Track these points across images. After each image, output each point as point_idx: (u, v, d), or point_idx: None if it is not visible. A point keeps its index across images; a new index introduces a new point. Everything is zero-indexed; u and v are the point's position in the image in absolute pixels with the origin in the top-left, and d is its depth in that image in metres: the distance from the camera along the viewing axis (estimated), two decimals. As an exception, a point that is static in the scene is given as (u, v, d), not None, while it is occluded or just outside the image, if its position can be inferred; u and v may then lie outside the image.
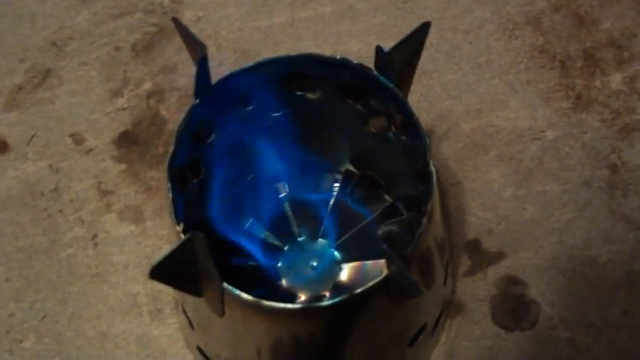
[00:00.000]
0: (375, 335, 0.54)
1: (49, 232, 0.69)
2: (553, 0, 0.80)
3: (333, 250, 0.65)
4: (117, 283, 0.67)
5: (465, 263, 0.67)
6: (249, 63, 0.55)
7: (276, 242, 0.65)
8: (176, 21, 0.54)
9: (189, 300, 0.54)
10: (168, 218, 0.52)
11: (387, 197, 0.66)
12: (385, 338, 0.55)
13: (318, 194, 0.67)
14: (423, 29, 0.53)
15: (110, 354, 0.64)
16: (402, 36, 0.53)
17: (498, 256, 0.66)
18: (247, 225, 0.66)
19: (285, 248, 0.65)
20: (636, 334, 0.63)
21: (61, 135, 0.74)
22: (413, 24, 0.54)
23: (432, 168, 0.51)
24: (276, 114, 0.61)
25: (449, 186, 0.70)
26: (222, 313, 0.50)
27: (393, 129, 0.58)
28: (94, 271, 0.68)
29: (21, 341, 0.65)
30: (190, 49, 0.54)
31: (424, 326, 0.58)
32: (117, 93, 0.76)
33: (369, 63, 0.55)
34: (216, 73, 0.55)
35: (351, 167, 0.66)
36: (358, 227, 0.65)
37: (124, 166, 0.72)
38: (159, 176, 0.71)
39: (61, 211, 0.70)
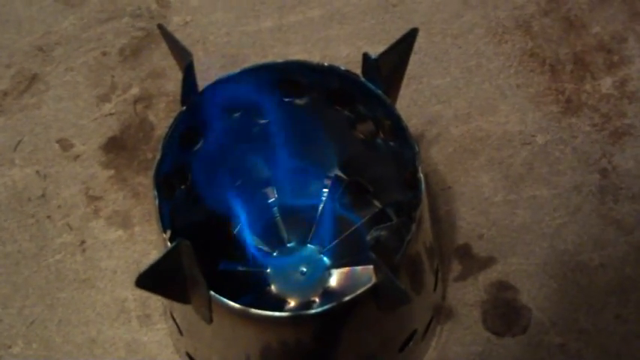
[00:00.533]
0: (365, 341, 0.54)
1: (36, 238, 0.69)
2: (543, 4, 0.80)
3: (322, 255, 0.64)
4: (105, 289, 0.67)
5: (455, 268, 0.66)
6: (237, 69, 0.55)
7: (265, 248, 0.65)
8: (162, 28, 0.54)
9: (178, 306, 0.54)
10: (156, 224, 0.52)
11: (376, 203, 0.65)
12: (375, 344, 0.55)
13: (307, 200, 0.67)
14: (411, 35, 0.53)
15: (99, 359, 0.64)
16: (391, 40, 0.53)
17: (489, 261, 0.66)
18: (236, 230, 0.65)
19: (275, 254, 0.65)
20: (628, 340, 0.63)
21: (48, 141, 0.74)
22: (402, 28, 0.54)
23: (421, 175, 0.51)
24: (263, 120, 0.61)
25: (439, 191, 0.70)
26: (210, 320, 0.50)
27: (382, 135, 0.58)
28: (83, 277, 0.67)
29: (9, 347, 0.65)
30: (176, 56, 0.54)
31: (414, 332, 0.58)
32: (104, 98, 0.76)
33: (358, 67, 0.55)
34: (204, 78, 0.55)
35: (339, 173, 0.66)
36: (347, 233, 0.65)
37: (111, 172, 0.72)
38: (147, 182, 0.71)
39: (48, 216, 0.70)
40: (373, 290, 0.47)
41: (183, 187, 0.59)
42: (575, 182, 0.70)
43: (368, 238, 0.64)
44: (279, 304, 0.62)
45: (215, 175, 0.61)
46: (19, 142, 0.74)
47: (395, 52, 0.53)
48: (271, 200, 0.67)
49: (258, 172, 0.66)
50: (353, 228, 0.65)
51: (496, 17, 0.79)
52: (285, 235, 0.66)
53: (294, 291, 0.63)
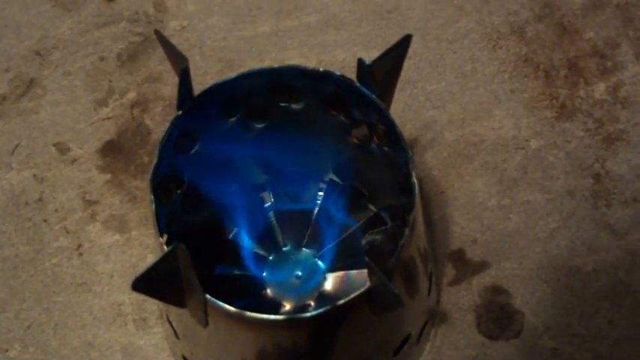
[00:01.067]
0: (359, 345, 0.54)
1: (33, 242, 0.69)
2: (537, 10, 0.80)
3: (317, 259, 0.65)
4: (102, 293, 0.67)
5: (449, 273, 0.67)
6: (233, 74, 0.56)
7: (261, 252, 0.65)
8: (158, 33, 0.54)
9: (174, 310, 0.54)
10: (152, 228, 0.52)
11: (371, 207, 0.66)
12: (369, 348, 0.55)
13: (302, 204, 0.67)
14: (405, 41, 0.54)
15: (95, 363, 0.65)
16: (386, 46, 0.54)
17: (483, 266, 0.67)
18: (232, 234, 0.66)
19: (270, 258, 0.65)
20: (620, 344, 0.63)
21: (45, 144, 0.74)
22: (397, 34, 0.54)
23: (415, 180, 0.51)
24: (259, 125, 0.61)
25: (433, 195, 0.70)
26: (206, 324, 0.50)
27: (376, 140, 0.59)
28: (79, 281, 0.67)
29: (6, 350, 0.65)
30: (172, 60, 0.54)
31: (408, 336, 0.58)
32: (101, 102, 0.76)
33: (354, 72, 0.55)
34: (200, 82, 0.55)
35: (334, 177, 0.66)
36: (343, 237, 0.65)
37: (108, 176, 0.72)
38: (143, 186, 0.71)
39: (45, 220, 0.70)
40: (367, 294, 0.47)
41: (179, 191, 0.59)
42: (569, 187, 0.70)
43: (363, 242, 0.64)
44: (274, 307, 0.63)
45: (211, 179, 0.62)
46: (17, 145, 0.74)
47: (389, 58, 0.54)
48: (267, 204, 0.67)
49: (254, 176, 0.66)
50: (348, 232, 0.65)
51: (491, 23, 0.80)
52: (280, 239, 0.66)
53: (290, 294, 0.63)
